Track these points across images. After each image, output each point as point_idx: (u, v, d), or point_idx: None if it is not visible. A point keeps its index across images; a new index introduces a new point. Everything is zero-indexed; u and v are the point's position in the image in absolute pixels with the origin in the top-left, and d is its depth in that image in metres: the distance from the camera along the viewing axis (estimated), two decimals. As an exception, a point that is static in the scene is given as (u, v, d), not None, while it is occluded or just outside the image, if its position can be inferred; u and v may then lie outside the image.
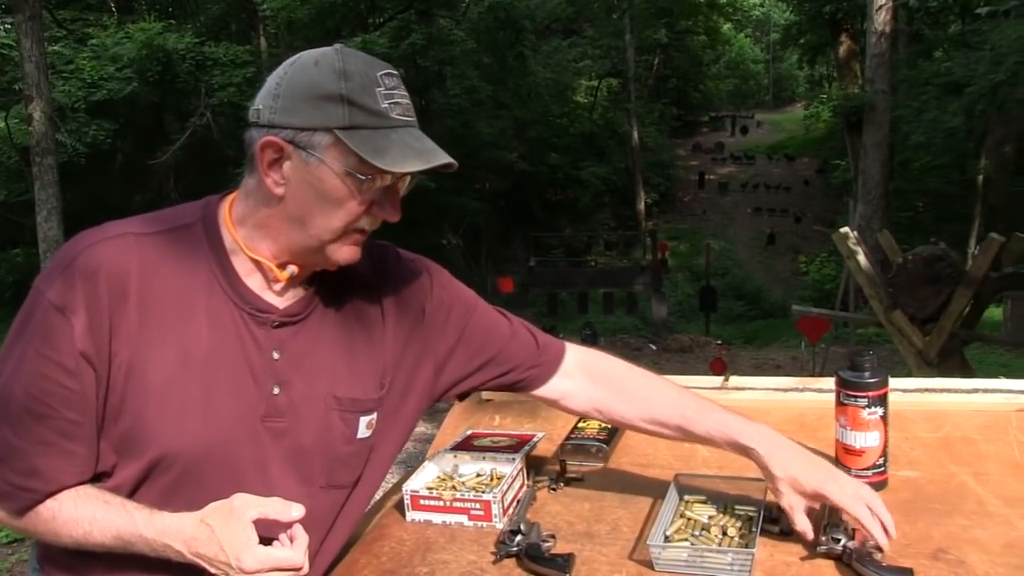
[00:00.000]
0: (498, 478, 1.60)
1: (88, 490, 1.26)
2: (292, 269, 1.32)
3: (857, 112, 19.93)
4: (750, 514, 1.44)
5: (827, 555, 1.31)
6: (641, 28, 30.78)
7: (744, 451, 1.45)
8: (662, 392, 1.56)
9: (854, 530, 1.33)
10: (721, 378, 2.17)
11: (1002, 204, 20.54)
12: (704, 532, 1.40)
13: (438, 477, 1.65)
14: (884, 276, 6.58)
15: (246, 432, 1.30)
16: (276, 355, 1.32)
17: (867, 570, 1.25)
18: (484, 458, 1.69)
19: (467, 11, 23.61)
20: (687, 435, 1.53)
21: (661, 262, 18.30)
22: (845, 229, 6.87)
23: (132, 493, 1.27)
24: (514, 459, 1.64)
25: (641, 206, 28.82)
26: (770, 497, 1.47)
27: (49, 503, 1.25)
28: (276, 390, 1.32)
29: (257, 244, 1.31)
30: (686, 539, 1.38)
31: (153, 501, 1.26)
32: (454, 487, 1.59)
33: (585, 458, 1.75)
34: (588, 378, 1.58)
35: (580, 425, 1.85)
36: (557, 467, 1.70)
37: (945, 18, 22.94)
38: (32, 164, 9.83)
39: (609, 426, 1.83)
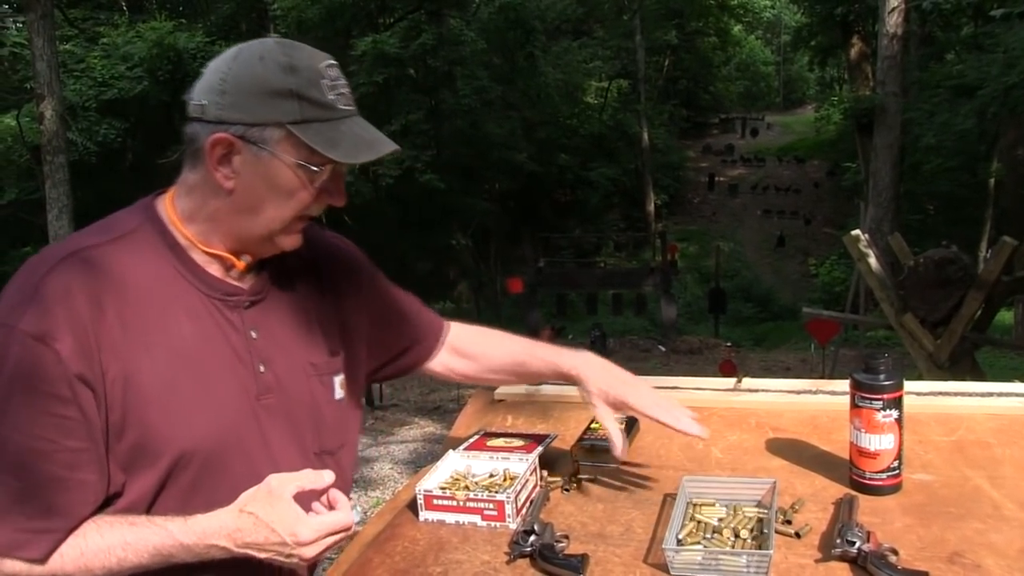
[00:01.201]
0: (511, 478, 1.60)
1: (106, 518, 1.24)
2: (247, 257, 1.36)
3: (868, 114, 19.85)
4: (760, 515, 1.44)
5: (842, 557, 1.30)
6: (651, 29, 30.72)
7: (568, 376, 1.65)
8: (501, 346, 1.76)
9: (869, 532, 1.33)
10: (734, 380, 2.17)
11: (1014, 207, 20.43)
12: (716, 535, 1.39)
13: (451, 477, 1.65)
14: (895, 279, 6.57)
15: (247, 414, 1.33)
16: (254, 334, 1.36)
17: (882, 573, 1.24)
18: (497, 458, 1.68)
19: (477, 11, 23.61)
20: (524, 376, 1.77)
21: (670, 263, 18.20)
22: (856, 232, 6.85)
23: (152, 503, 1.27)
24: (527, 459, 1.64)
25: (650, 207, 28.78)
26: (781, 498, 1.48)
27: (72, 540, 1.21)
28: (262, 368, 1.36)
29: (210, 238, 1.34)
30: (698, 542, 1.37)
31: (175, 503, 1.26)
32: (467, 487, 1.59)
33: (598, 458, 1.74)
34: (448, 348, 1.76)
35: (593, 426, 1.85)
36: (570, 468, 1.70)
37: (958, 20, 22.84)
38: (43, 162, 9.90)
39: (622, 426, 1.83)
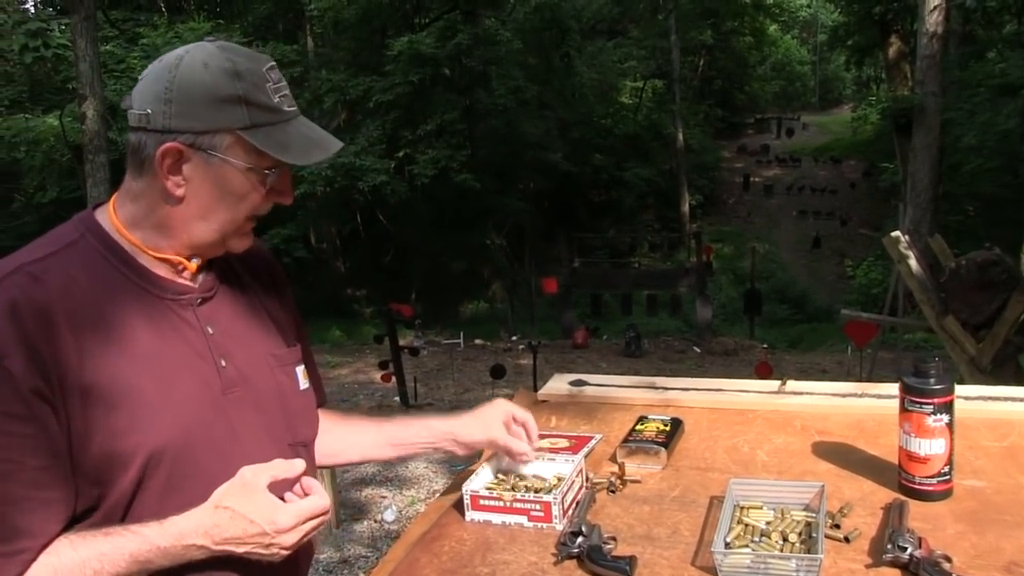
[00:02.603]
0: (558, 479, 1.60)
1: (80, 532, 1.22)
2: (196, 260, 1.37)
3: (906, 114, 19.59)
4: (808, 519, 1.43)
5: (893, 563, 1.29)
6: (686, 29, 30.57)
7: (451, 441, 1.66)
8: (363, 431, 1.71)
9: (920, 539, 1.31)
10: (778, 383, 2.16)
11: (1056, 209, 20.09)
12: (764, 538, 1.39)
13: (497, 478, 1.65)
14: (936, 281, 6.48)
15: (213, 409, 1.33)
16: (210, 330, 1.37)
17: (935, 580, 1.23)
18: (543, 459, 1.68)
19: (513, 11, 23.62)
20: (402, 455, 1.73)
21: (705, 264, 18.08)
22: (896, 233, 6.76)
23: (128, 508, 1.25)
24: (573, 460, 1.64)
25: (685, 208, 28.65)
26: (829, 502, 1.46)
27: (44, 559, 1.19)
28: (223, 363, 1.36)
29: (158, 243, 1.34)
30: (746, 545, 1.37)
31: (151, 507, 1.25)
32: (513, 488, 1.59)
33: (644, 460, 1.74)
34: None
35: (638, 428, 1.85)
36: (616, 469, 1.70)
37: (1001, 18, 22.49)
38: (85, 162, 10.02)
39: (668, 428, 1.83)
